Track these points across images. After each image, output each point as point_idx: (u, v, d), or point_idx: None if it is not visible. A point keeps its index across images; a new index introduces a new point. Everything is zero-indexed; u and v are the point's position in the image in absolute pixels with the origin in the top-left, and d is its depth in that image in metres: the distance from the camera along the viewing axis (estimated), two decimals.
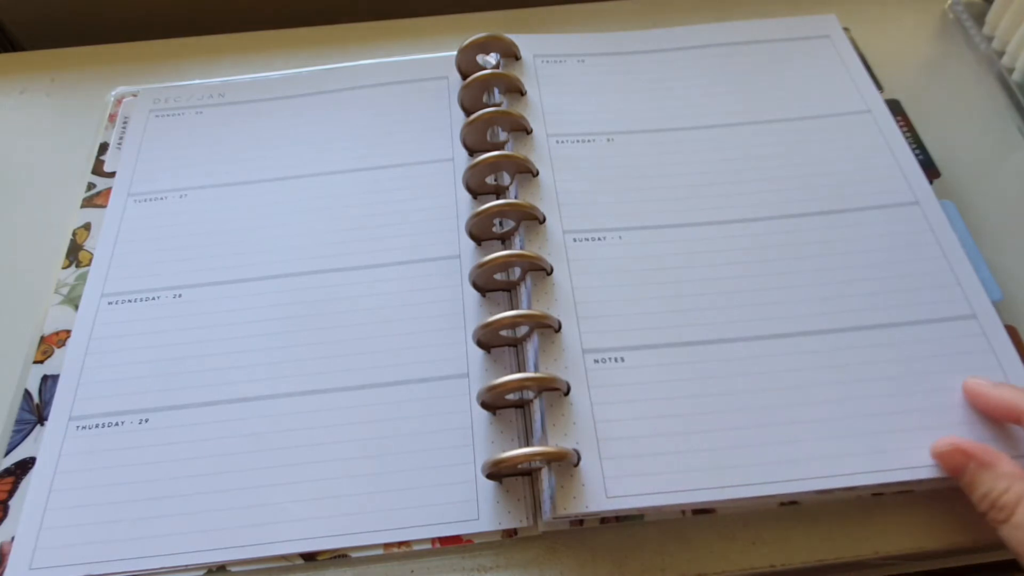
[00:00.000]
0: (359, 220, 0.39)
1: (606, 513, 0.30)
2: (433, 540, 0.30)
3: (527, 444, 0.32)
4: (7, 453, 0.33)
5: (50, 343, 0.36)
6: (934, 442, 0.30)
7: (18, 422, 0.34)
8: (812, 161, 0.40)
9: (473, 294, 0.36)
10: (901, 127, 0.41)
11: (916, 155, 0.40)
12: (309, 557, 0.30)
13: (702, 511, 0.31)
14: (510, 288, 0.36)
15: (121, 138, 0.43)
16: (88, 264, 0.38)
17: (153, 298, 0.37)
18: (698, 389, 0.32)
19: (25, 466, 0.33)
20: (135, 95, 0.45)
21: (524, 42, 0.44)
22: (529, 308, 0.34)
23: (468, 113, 0.42)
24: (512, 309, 0.34)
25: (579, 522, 0.30)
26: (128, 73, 0.47)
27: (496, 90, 0.42)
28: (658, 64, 0.44)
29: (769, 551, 0.30)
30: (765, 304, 0.35)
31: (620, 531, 0.31)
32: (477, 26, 0.47)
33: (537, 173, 0.39)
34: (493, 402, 0.32)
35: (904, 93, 0.44)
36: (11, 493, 0.32)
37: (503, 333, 0.34)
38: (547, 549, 0.30)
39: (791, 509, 0.31)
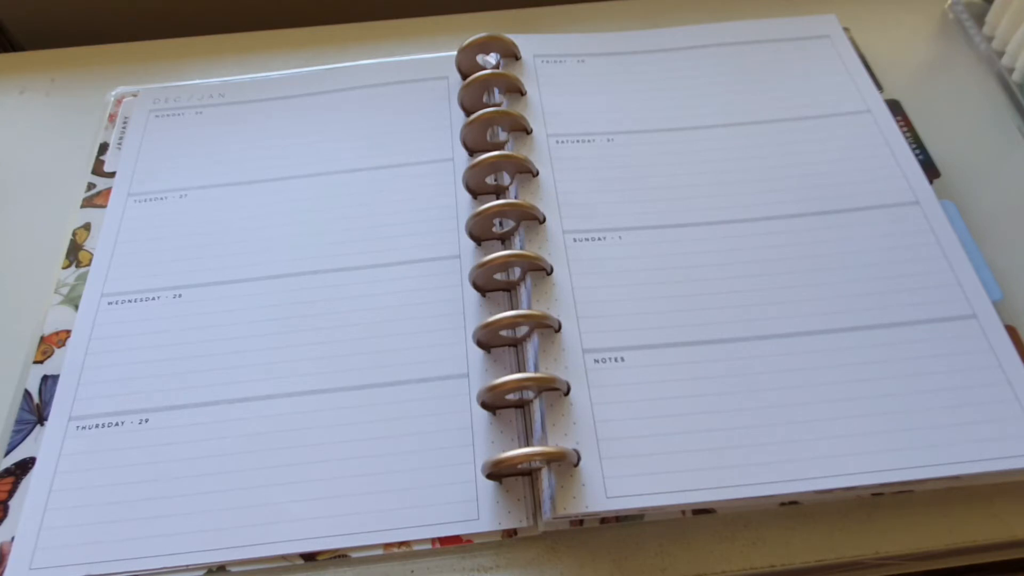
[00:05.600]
0: (359, 220, 0.39)
1: (606, 513, 0.30)
2: (433, 540, 0.30)
3: (527, 444, 0.32)
4: (7, 453, 0.33)
5: (50, 343, 0.36)
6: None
7: (18, 422, 0.34)
8: (812, 161, 0.40)
9: (473, 294, 0.36)
10: (901, 127, 0.41)
11: (916, 155, 0.40)
12: (309, 557, 0.30)
13: (702, 511, 0.31)
14: (510, 288, 0.36)
15: (121, 138, 0.43)
16: (88, 264, 0.38)
17: (153, 298, 0.37)
18: (698, 389, 0.32)
19: (25, 466, 0.33)
20: (135, 95, 0.45)
21: (524, 42, 0.44)
22: (529, 308, 0.34)
23: (468, 113, 0.42)
24: (512, 309, 0.34)
25: (579, 522, 0.30)
26: (128, 73, 0.47)
27: (496, 90, 0.42)
28: (658, 64, 0.44)
29: (769, 551, 0.30)
30: (765, 304, 0.35)
31: (620, 531, 0.31)
32: (477, 26, 0.47)
33: (537, 173, 0.39)
34: (493, 402, 0.32)
35: (904, 93, 0.44)
36: (11, 493, 0.32)
37: (503, 333, 0.34)
38: (547, 549, 0.30)
39: (791, 509, 0.31)
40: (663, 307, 0.35)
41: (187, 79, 0.46)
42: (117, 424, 0.33)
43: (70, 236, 0.40)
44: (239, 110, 0.44)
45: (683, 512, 0.31)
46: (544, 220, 0.37)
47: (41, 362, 0.36)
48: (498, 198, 0.38)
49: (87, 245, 0.39)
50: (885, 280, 0.35)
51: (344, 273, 0.37)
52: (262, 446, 0.32)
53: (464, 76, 0.44)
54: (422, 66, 0.45)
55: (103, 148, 0.43)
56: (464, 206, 0.39)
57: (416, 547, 0.30)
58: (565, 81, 0.43)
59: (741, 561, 0.30)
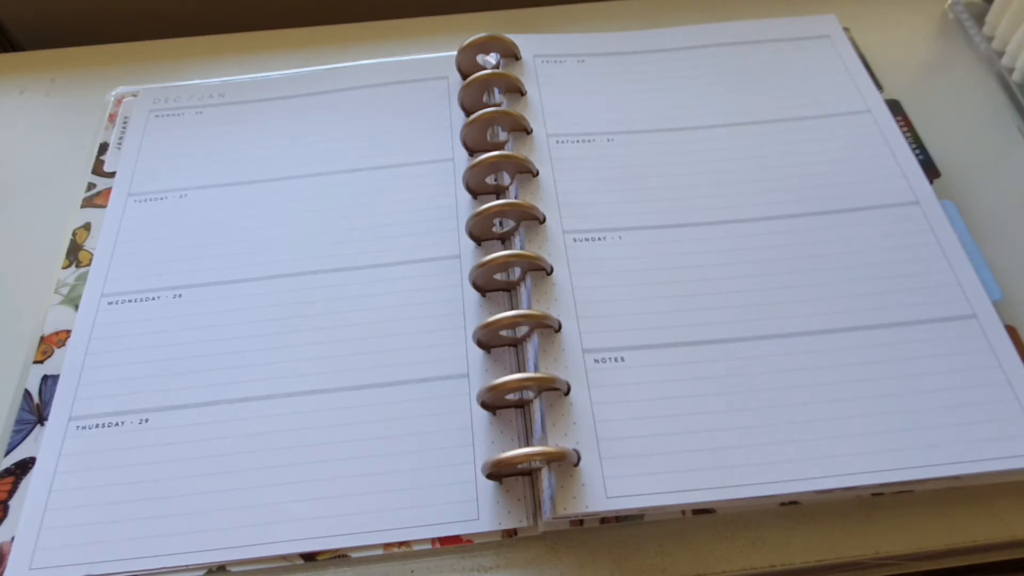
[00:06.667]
0: (359, 220, 0.39)
1: (606, 513, 0.30)
2: (433, 540, 0.30)
3: (527, 444, 0.32)
4: (7, 453, 0.33)
5: (50, 343, 0.36)
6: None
7: (18, 422, 0.34)
8: (812, 161, 0.40)
9: (473, 294, 0.36)
10: (901, 127, 0.41)
11: (916, 155, 0.40)
12: (309, 557, 0.30)
13: (702, 511, 0.31)
14: (510, 288, 0.36)
15: (121, 138, 0.43)
16: (88, 264, 0.38)
17: (153, 298, 0.37)
18: (698, 389, 0.32)
19: (25, 466, 0.33)
20: (135, 95, 0.45)
21: (524, 42, 0.44)
22: (529, 308, 0.34)
23: (468, 113, 0.42)
24: (512, 309, 0.34)
25: (579, 522, 0.30)
26: (128, 73, 0.47)
27: (496, 90, 0.42)
28: (658, 64, 0.44)
29: (769, 551, 0.30)
30: (765, 304, 0.35)
31: (620, 531, 0.31)
32: (477, 26, 0.47)
33: (537, 173, 0.39)
34: (493, 402, 0.32)
35: (904, 93, 0.44)
36: (11, 493, 0.32)
37: (503, 333, 0.34)
38: (547, 549, 0.30)
39: (791, 509, 0.31)
40: (663, 307, 0.35)
41: (187, 79, 0.46)
42: (117, 424, 0.33)
43: (70, 236, 0.40)
44: (239, 110, 0.44)
45: (683, 512, 0.31)
46: (544, 220, 0.37)
47: (41, 362, 0.36)
48: (498, 198, 0.38)
49: (87, 245, 0.39)
50: (885, 280, 0.35)
51: (344, 273, 0.37)
52: (262, 446, 0.32)
53: (464, 76, 0.44)
54: (422, 66, 0.45)
55: (103, 148, 0.43)
56: (464, 206, 0.39)
57: (416, 547, 0.30)
58: (565, 81, 0.43)
59: (741, 561, 0.30)
